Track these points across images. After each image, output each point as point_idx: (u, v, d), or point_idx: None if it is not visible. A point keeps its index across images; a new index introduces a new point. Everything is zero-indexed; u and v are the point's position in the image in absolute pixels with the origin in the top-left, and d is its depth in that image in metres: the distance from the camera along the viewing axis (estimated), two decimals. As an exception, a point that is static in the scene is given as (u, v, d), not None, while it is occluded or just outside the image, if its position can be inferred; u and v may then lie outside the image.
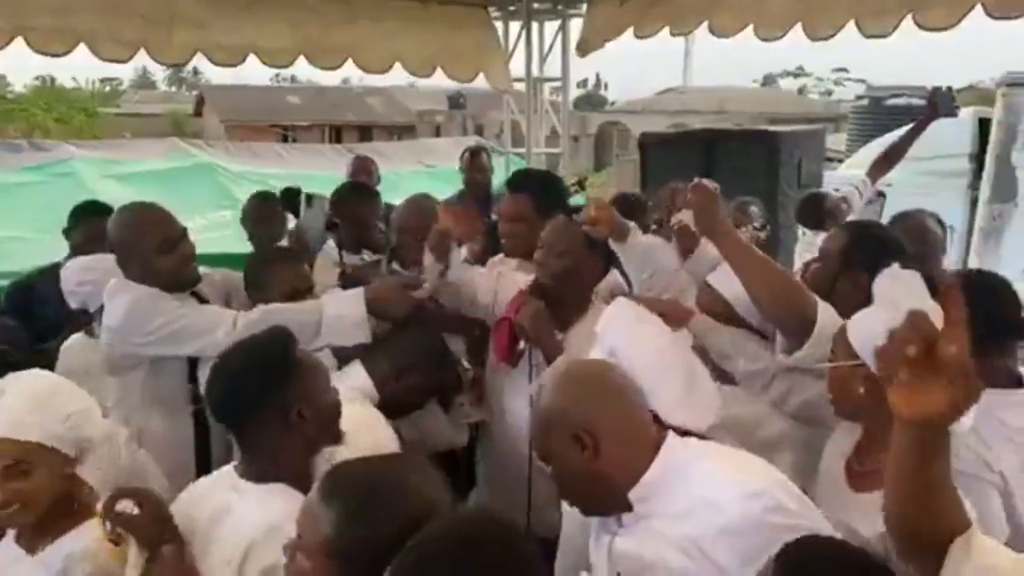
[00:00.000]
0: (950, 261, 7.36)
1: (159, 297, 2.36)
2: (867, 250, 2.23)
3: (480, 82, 6.15)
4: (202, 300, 2.54)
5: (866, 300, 1.81)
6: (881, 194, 7.83)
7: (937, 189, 7.46)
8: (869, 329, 1.62)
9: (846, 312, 1.90)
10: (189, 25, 4.87)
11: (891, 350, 0.93)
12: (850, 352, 1.69)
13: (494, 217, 3.47)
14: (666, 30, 4.93)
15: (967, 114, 7.71)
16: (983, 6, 3.24)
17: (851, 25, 3.71)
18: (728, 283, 2.12)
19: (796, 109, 29.37)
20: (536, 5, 6.07)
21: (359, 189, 3.82)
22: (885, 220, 7.65)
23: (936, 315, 0.97)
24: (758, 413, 2.07)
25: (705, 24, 4.54)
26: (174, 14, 4.80)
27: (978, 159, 7.06)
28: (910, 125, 4.28)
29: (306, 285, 2.53)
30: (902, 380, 0.92)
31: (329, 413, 1.68)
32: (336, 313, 2.26)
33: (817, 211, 3.95)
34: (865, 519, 1.55)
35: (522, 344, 2.35)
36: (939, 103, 4.26)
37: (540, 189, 2.88)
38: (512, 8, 6.11)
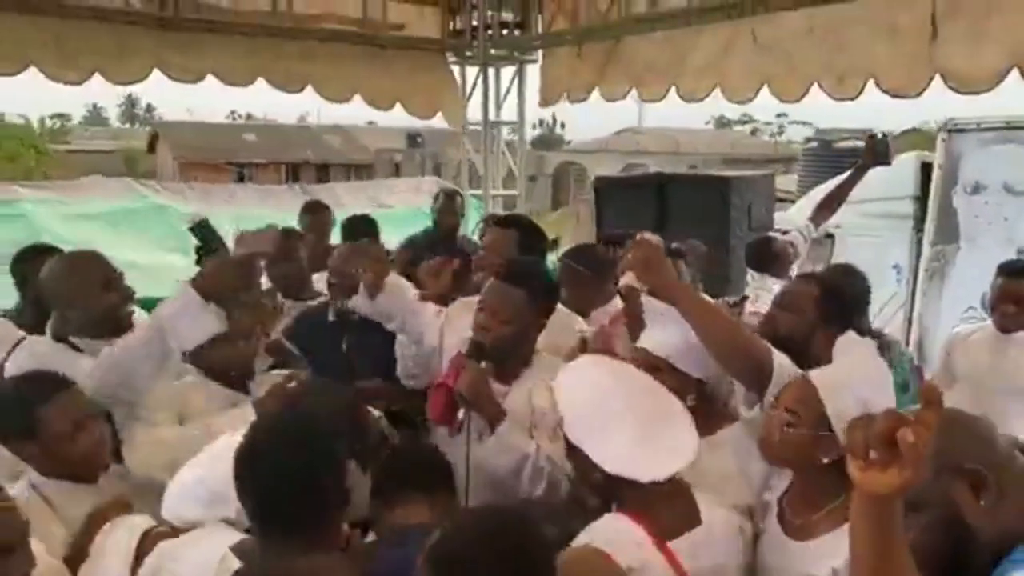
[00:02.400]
0: (898, 301, 7.61)
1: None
2: (838, 303, 2.28)
3: (438, 121, 6.23)
4: None
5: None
6: (830, 236, 8.06)
7: (884, 231, 7.68)
8: (848, 408, 1.62)
9: (817, 364, 1.93)
10: (143, 54, 4.90)
11: (863, 434, 1.04)
12: (817, 415, 1.69)
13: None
14: (634, 92, 5.02)
15: (910, 158, 7.98)
16: (942, 77, 3.33)
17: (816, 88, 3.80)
18: (659, 341, 2.05)
19: (749, 150, 30.17)
20: (493, 51, 6.16)
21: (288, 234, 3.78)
22: (834, 261, 7.89)
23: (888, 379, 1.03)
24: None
25: (673, 88, 4.63)
26: (125, 47, 4.80)
27: (921, 201, 7.29)
28: (848, 172, 4.42)
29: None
30: (871, 459, 1.03)
31: None
32: (171, 312, 2.17)
33: (764, 255, 4.03)
34: (801, 566, 1.60)
35: (461, 412, 2.28)
36: (875, 150, 4.41)
37: (526, 228, 3.03)
38: (469, 54, 6.20)
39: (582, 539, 1.68)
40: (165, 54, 4.92)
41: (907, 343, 7.31)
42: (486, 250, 2.94)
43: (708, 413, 1.95)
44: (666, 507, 1.69)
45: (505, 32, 6.09)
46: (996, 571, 1.20)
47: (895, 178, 7.60)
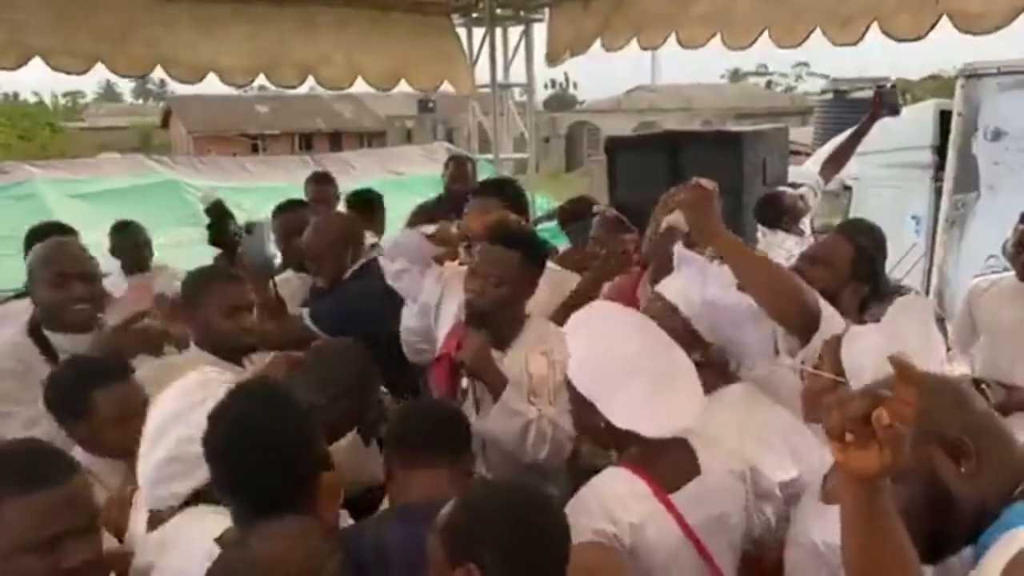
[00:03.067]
0: (918, 251, 7.52)
1: None
2: (870, 262, 2.26)
3: (447, 85, 6.14)
4: None
5: (860, 309, 1.91)
6: (847, 188, 7.96)
7: (902, 181, 7.57)
8: (863, 352, 1.63)
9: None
10: (145, 41, 4.82)
11: (840, 415, 1.04)
12: (837, 365, 1.68)
13: None
14: (634, 43, 4.94)
15: (928, 106, 7.82)
16: (949, 17, 3.24)
17: (818, 32, 3.72)
18: (680, 293, 2.00)
19: (763, 104, 29.71)
20: (499, 11, 6.06)
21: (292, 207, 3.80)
22: (852, 213, 7.78)
23: (938, 347, 1.03)
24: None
25: (673, 36, 4.55)
26: (128, 31, 4.74)
27: (940, 150, 7.16)
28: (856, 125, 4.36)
29: (246, 303, 2.41)
30: (847, 440, 1.03)
31: None
32: None
33: (774, 210, 3.98)
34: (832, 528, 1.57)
35: (465, 381, 2.30)
36: (883, 102, 4.33)
37: (511, 194, 2.99)
38: (475, 15, 6.10)
39: (585, 493, 1.68)
40: (165, 45, 4.81)
41: (927, 294, 7.25)
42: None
43: (709, 373, 1.90)
44: (667, 459, 1.68)
45: (511, -9, 5.98)
46: (984, 534, 1.18)
47: (913, 127, 7.46)
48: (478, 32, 6.25)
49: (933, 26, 3.29)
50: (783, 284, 1.94)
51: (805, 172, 6.00)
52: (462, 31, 6.17)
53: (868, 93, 9.43)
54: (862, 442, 1.02)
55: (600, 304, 1.92)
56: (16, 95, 40.35)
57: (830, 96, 10.54)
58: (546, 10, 5.92)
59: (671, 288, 2.03)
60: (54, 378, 2.05)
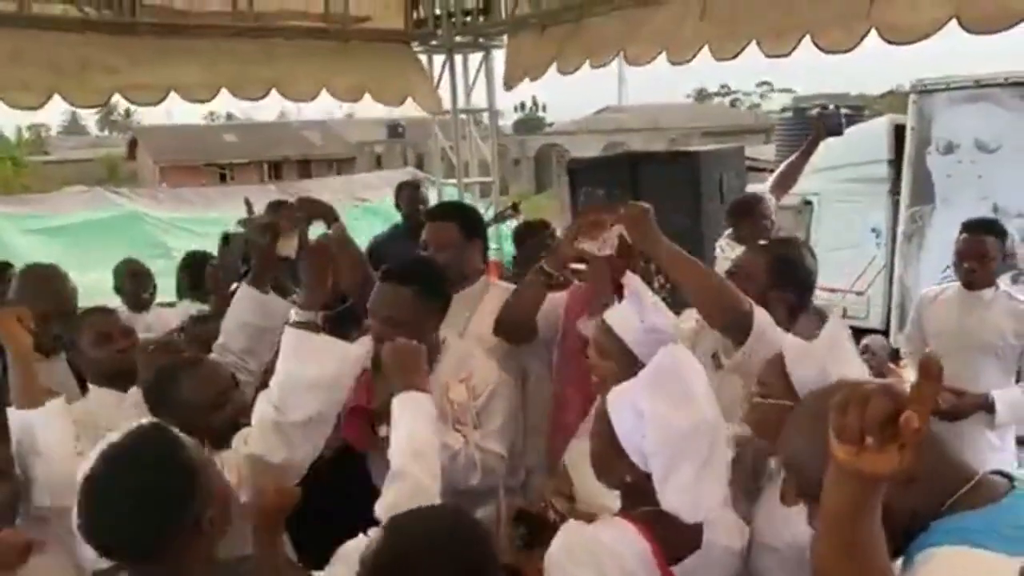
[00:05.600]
0: (879, 264, 7.66)
1: None
2: (789, 270, 2.30)
3: (417, 110, 6.18)
4: None
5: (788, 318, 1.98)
6: (808, 203, 8.10)
7: (860, 195, 7.72)
8: (812, 369, 1.64)
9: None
10: (103, 71, 4.80)
11: (856, 416, 0.96)
12: (785, 383, 1.69)
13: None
14: (587, 64, 5.05)
15: (882, 121, 7.99)
16: (877, 31, 3.38)
17: (752, 46, 3.85)
18: (625, 322, 2.03)
19: (728, 122, 30.17)
20: (458, 39, 6.14)
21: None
22: (813, 228, 7.91)
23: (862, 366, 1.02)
24: None
25: (621, 54, 4.67)
26: (86, 62, 4.74)
27: (896, 164, 7.32)
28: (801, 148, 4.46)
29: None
30: (866, 444, 0.96)
31: (227, 501, 1.51)
32: None
33: (745, 205, 3.98)
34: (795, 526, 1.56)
35: (384, 429, 2.19)
36: (825, 123, 4.46)
37: (463, 216, 2.92)
38: (434, 43, 6.17)
39: (580, 542, 1.57)
40: (125, 74, 4.81)
41: (889, 305, 7.38)
42: (430, 246, 2.78)
43: None
44: (675, 527, 1.57)
45: (468, 19, 6.06)
46: (911, 546, 1.17)
47: (869, 142, 7.64)
48: (438, 59, 6.33)
49: (863, 38, 3.42)
50: (715, 286, 2.06)
51: (765, 189, 6.11)
52: (423, 58, 6.24)
53: (828, 110, 9.66)
54: (880, 444, 0.95)
55: (683, 355, 1.74)
56: (-23, 130, 39.79)
57: (790, 114, 10.75)
58: (504, 37, 6.01)
59: (615, 316, 2.08)
60: None
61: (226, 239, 2.99)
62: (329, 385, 1.90)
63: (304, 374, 1.87)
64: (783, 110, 12.63)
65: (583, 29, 5.06)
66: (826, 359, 1.65)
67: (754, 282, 2.24)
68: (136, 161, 34.11)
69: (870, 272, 7.68)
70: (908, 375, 3.29)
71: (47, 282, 2.89)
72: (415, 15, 6.12)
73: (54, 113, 66.58)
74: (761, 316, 2.01)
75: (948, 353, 3.20)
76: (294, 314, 1.98)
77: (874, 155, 7.60)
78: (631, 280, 2.08)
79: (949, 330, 3.23)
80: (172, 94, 4.96)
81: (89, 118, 66.72)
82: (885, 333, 6.85)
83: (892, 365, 5.16)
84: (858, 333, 5.17)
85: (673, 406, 1.56)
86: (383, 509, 1.62)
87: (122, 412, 2.14)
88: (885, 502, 1.09)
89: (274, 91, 5.29)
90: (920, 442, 0.94)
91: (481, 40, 6.21)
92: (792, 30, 3.73)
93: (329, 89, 5.51)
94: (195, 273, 3.76)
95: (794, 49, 3.70)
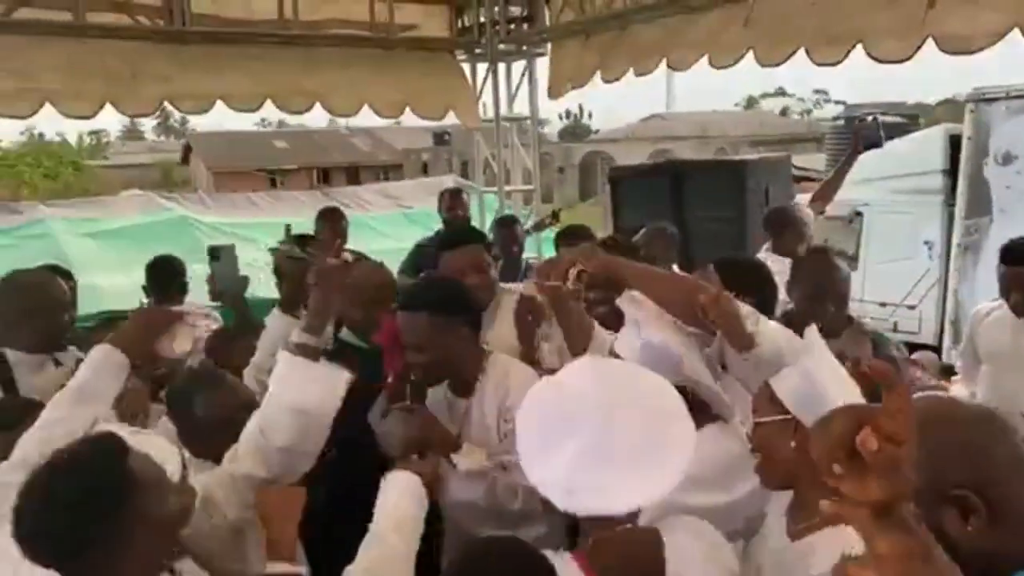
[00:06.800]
0: (932, 277, 7.43)
1: None
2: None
3: (455, 119, 6.22)
4: None
5: None
6: (858, 213, 7.90)
7: (913, 206, 7.50)
8: (796, 384, 1.56)
9: None
10: (153, 80, 4.94)
11: (820, 440, 0.86)
12: (776, 405, 1.59)
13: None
14: (630, 72, 5.02)
15: (937, 131, 7.77)
16: (934, 40, 3.26)
17: (801, 53, 3.77)
18: (627, 346, 1.91)
19: (778, 130, 29.68)
20: (502, 47, 6.14)
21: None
22: (864, 239, 7.71)
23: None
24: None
25: (664, 61, 4.62)
26: (137, 71, 4.86)
27: (951, 175, 7.10)
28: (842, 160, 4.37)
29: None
30: (838, 475, 0.84)
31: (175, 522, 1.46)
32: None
33: (782, 218, 3.90)
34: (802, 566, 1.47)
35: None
36: (863, 135, 4.37)
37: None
38: (478, 51, 6.18)
39: None
40: (174, 83, 4.94)
41: (942, 320, 7.15)
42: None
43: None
44: (624, 557, 1.38)
45: (513, 27, 6.06)
46: None
47: (923, 152, 7.43)
48: (482, 67, 6.34)
49: (918, 49, 3.30)
50: (681, 287, 2.00)
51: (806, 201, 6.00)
52: (466, 67, 6.27)
53: (882, 119, 9.45)
54: (857, 471, 0.82)
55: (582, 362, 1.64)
56: (41, 135, 41.22)
57: (842, 122, 10.54)
58: (548, 45, 6.00)
59: (620, 342, 1.99)
60: None
61: (215, 252, 3.00)
62: (311, 413, 1.83)
63: (287, 400, 1.83)
64: (835, 119, 12.39)
65: (627, 36, 5.02)
66: (809, 368, 1.57)
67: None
68: (190, 166, 34.94)
69: (922, 286, 7.46)
70: (958, 391, 3.15)
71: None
72: (459, 23, 6.14)
73: (113, 119, 68.74)
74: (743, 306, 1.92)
75: (1003, 373, 3.08)
76: (295, 335, 1.91)
77: (928, 165, 7.38)
78: (623, 301, 2.01)
79: (1003, 351, 3.09)
80: (219, 103, 5.09)
81: (146, 124, 68.60)
82: (937, 349, 6.64)
83: (944, 382, 4.98)
84: (909, 348, 5.02)
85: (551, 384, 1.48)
86: (355, 571, 1.59)
87: None
88: (959, 543, 0.97)
89: (318, 105, 5.40)
90: (895, 464, 0.80)
91: (525, 48, 6.20)
92: (843, 39, 3.63)
93: (371, 103, 5.58)
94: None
95: (845, 58, 3.59)
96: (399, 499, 1.77)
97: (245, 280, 3.11)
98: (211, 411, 2.00)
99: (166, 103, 5.04)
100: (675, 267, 3.64)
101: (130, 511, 1.35)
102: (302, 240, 3.80)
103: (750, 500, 1.73)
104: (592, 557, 1.39)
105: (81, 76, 4.68)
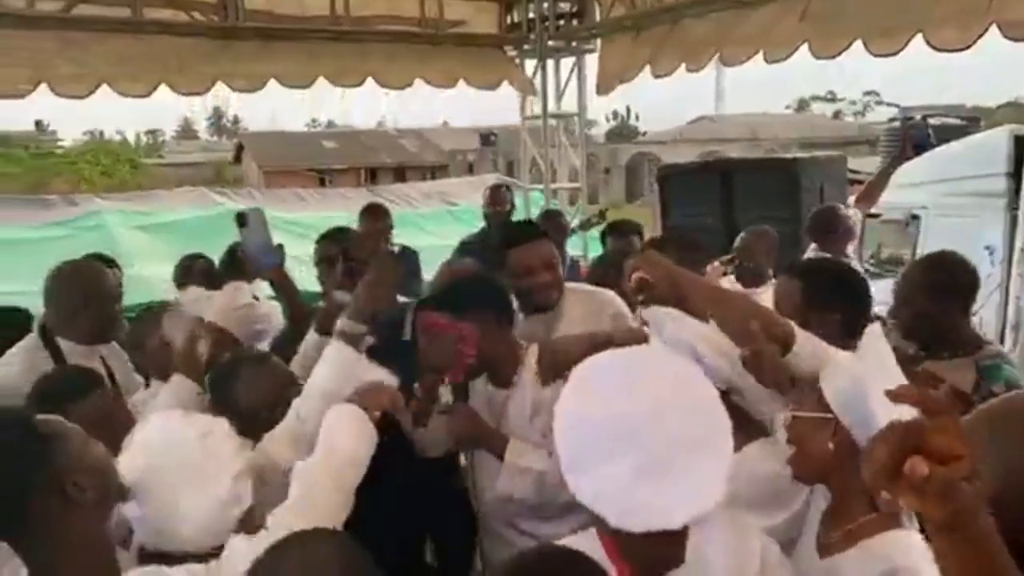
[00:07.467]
0: (992, 283, 7.16)
1: None
2: (826, 291, 2.10)
3: (509, 119, 6.22)
4: None
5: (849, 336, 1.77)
6: (916, 217, 7.67)
7: (974, 210, 7.24)
8: (843, 386, 1.49)
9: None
10: (207, 64, 5.06)
11: (867, 468, 0.83)
12: (820, 401, 1.52)
13: None
14: (682, 67, 4.94)
15: (1001, 132, 7.50)
16: (998, 27, 3.14)
17: (857, 45, 3.65)
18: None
19: (830, 133, 29.11)
20: (551, 43, 6.10)
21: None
22: (921, 243, 7.50)
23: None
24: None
25: (716, 56, 4.54)
26: (190, 58, 4.98)
27: (1015, 177, 6.84)
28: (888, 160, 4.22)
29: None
30: (886, 499, 0.82)
31: (103, 469, 1.45)
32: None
33: (827, 221, 3.79)
34: None
35: (463, 458, 2.22)
36: (911, 135, 4.22)
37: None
38: (527, 47, 6.16)
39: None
40: (227, 64, 5.05)
41: (1003, 327, 6.89)
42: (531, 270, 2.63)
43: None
44: (648, 541, 1.31)
45: (562, 23, 6.02)
46: None
47: (985, 154, 7.15)
48: (530, 64, 6.32)
49: (980, 36, 3.18)
50: (742, 309, 1.85)
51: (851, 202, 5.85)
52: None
53: (937, 121, 9.18)
54: (913, 491, 0.79)
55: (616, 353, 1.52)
56: (101, 133, 42.50)
57: (897, 124, 10.27)
58: (598, 41, 5.94)
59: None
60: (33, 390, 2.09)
61: (242, 218, 2.72)
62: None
63: (325, 387, 1.84)
64: (890, 120, 12.09)
65: (678, 31, 4.95)
66: (861, 371, 1.48)
67: (788, 310, 2.07)
68: (242, 165, 35.63)
69: (983, 291, 7.20)
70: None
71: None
72: (508, 19, 6.12)
73: (169, 119, 70.48)
74: (803, 335, 1.79)
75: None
76: (340, 322, 1.90)
77: (991, 168, 7.10)
78: (645, 312, 1.91)
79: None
80: (272, 82, 5.16)
81: (200, 124, 70.25)
82: (998, 357, 6.40)
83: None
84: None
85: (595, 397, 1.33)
86: (278, 512, 1.56)
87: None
88: None
89: (370, 79, 5.43)
90: (949, 490, 0.78)
91: (574, 44, 6.16)
92: (902, 28, 3.51)
93: (424, 76, 5.59)
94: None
95: (903, 48, 3.47)
96: (336, 431, 1.70)
97: (280, 249, 2.75)
98: (253, 393, 2.00)
99: (219, 82, 5.10)
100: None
101: (53, 461, 1.36)
102: (340, 233, 3.77)
103: (787, 527, 1.66)
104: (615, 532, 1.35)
105: (137, 62, 4.82)
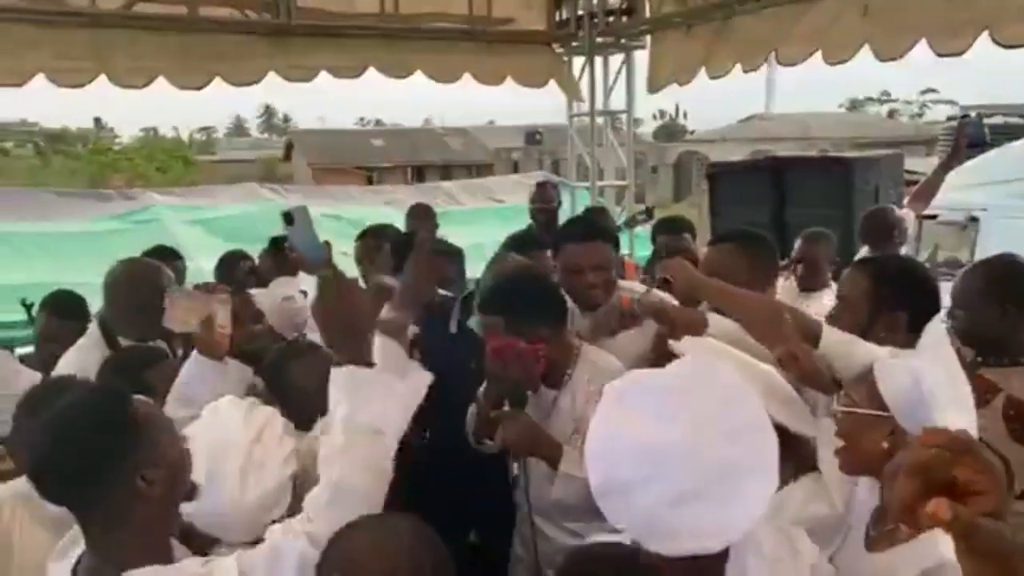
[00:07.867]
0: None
1: None
2: (898, 286, 2.05)
3: (555, 118, 6.21)
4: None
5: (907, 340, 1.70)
6: (974, 219, 7.43)
7: (1036, 212, 6.99)
8: (902, 386, 1.43)
9: None
10: (260, 56, 5.17)
11: (895, 500, 0.82)
12: (875, 397, 1.47)
13: None
14: (737, 68, 4.84)
15: (1065, 131, 7.23)
16: None
17: (921, 45, 3.53)
18: None
19: (884, 133, 28.38)
20: (599, 40, 6.06)
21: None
22: (980, 245, 7.27)
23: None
24: None
25: (773, 55, 4.44)
26: (243, 51, 5.09)
27: (1078, 178, 6.59)
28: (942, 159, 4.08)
29: None
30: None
31: (178, 468, 1.47)
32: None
33: (879, 224, 3.68)
34: None
35: (515, 466, 2.21)
36: (966, 132, 4.07)
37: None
38: (575, 44, 6.12)
39: None
40: (278, 57, 5.16)
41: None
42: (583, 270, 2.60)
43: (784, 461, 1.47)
44: (684, 560, 1.26)
45: (611, 19, 5.97)
46: None
47: (1049, 154, 6.92)
48: (578, 62, 6.28)
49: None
50: (765, 309, 1.97)
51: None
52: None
53: (997, 120, 8.87)
54: (918, 529, 0.80)
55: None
56: (156, 130, 43.62)
57: (955, 123, 9.97)
58: (647, 37, 5.88)
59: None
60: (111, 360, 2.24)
61: (288, 217, 2.76)
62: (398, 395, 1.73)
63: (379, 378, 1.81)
64: (948, 119, 11.74)
65: (731, 28, 4.85)
66: (921, 371, 1.40)
67: (854, 307, 2.03)
68: (292, 162, 36.18)
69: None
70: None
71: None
72: (557, 16, 6.10)
73: (221, 116, 71.97)
74: (829, 331, 1.84)
75: None
76: (384, 311, 1.82)
77: (1052, 168, 6.87)
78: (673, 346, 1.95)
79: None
80: (323, 73, 5.28)
81: (252, 122, 71.56)
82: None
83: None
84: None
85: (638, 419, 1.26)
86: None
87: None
88: None
89: (419, 72, 5.51)
90: (974, 532, 0.77)
91: (623, 41, 6.10)
92: (967, 25, 3.39)
93: (470, 71, 5.64)
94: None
95: (969, 47, 3.35)
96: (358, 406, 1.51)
97: (327, 246, 2.88)
98: (304, 380, 2.03)
99: (272, 73, 5.20)
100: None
101: (137, 448, 1.39)
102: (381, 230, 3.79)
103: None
104: None
105: (192, 57, 4.95)
